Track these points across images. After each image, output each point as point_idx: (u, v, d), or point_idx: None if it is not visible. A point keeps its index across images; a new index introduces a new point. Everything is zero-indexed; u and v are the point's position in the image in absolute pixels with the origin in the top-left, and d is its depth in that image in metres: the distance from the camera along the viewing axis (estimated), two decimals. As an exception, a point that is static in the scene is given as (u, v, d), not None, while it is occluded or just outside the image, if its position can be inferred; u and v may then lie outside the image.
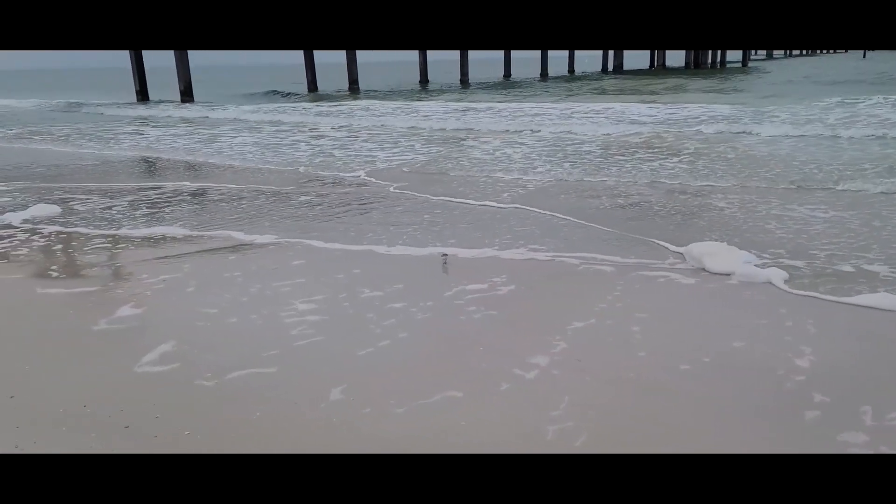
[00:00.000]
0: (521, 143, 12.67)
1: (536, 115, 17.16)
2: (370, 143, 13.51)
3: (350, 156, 11.86)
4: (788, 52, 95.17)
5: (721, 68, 54.95)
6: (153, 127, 18.57)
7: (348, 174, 9.90)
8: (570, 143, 12.52)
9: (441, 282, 4.92)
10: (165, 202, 8.07)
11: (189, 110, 24.14)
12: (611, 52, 54.64)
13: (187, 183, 9.42)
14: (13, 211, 7.55)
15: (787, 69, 39.96)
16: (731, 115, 15.15)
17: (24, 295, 4.76)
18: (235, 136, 15.46)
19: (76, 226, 6.87)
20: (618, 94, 25.79)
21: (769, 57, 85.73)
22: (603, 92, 27.39)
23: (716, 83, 30.85)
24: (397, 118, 17.94)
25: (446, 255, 5.68)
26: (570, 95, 25.42)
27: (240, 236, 6.31)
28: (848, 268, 4.92)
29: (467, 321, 4.15)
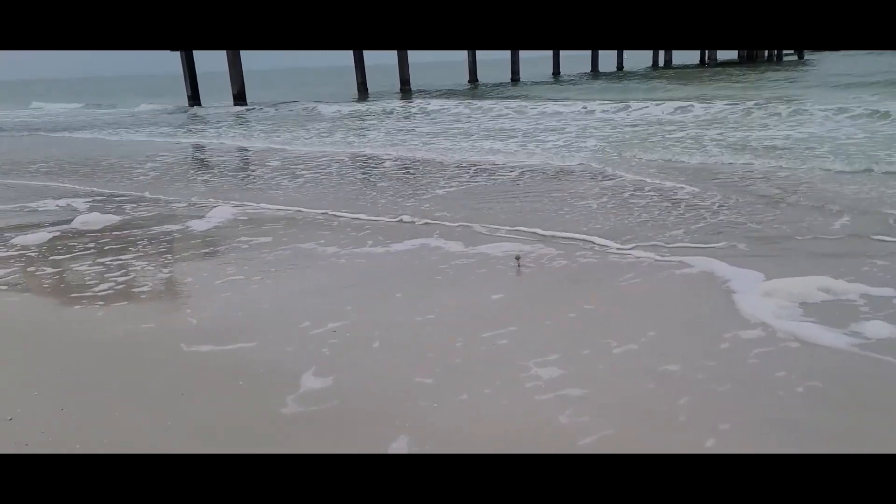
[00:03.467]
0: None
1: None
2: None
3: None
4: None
5: (777, 61, 52.94)
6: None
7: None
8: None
9: (703, 323, 3.75)
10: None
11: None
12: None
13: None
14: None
15: (845, 63, 37.63)
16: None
17: (171, 354, 3.70)
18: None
19: (239, 236, 5.87)
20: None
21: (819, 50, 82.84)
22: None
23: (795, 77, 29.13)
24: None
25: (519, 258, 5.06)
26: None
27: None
28: None
29: (793, 401, 2.95)
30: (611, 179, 8.41)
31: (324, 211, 7.29)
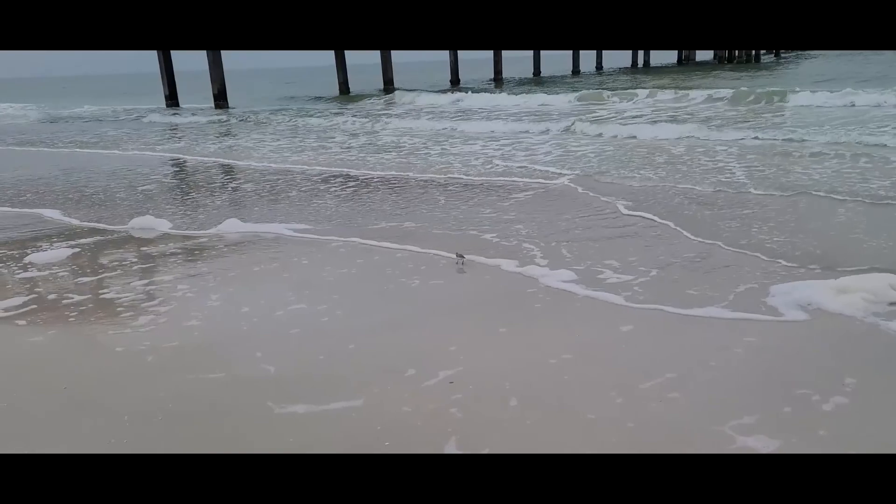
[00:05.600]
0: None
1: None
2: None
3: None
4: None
5: (755, 62, 53.23)
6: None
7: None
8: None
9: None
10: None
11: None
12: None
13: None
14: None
15: (823, 63, 37.70)
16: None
17: (262, 419, 2.91)
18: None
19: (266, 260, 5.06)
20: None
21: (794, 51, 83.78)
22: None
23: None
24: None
25: (463, 257, 5.02)
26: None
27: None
28: None
29: None
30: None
31: (356, 238, 6.52)
